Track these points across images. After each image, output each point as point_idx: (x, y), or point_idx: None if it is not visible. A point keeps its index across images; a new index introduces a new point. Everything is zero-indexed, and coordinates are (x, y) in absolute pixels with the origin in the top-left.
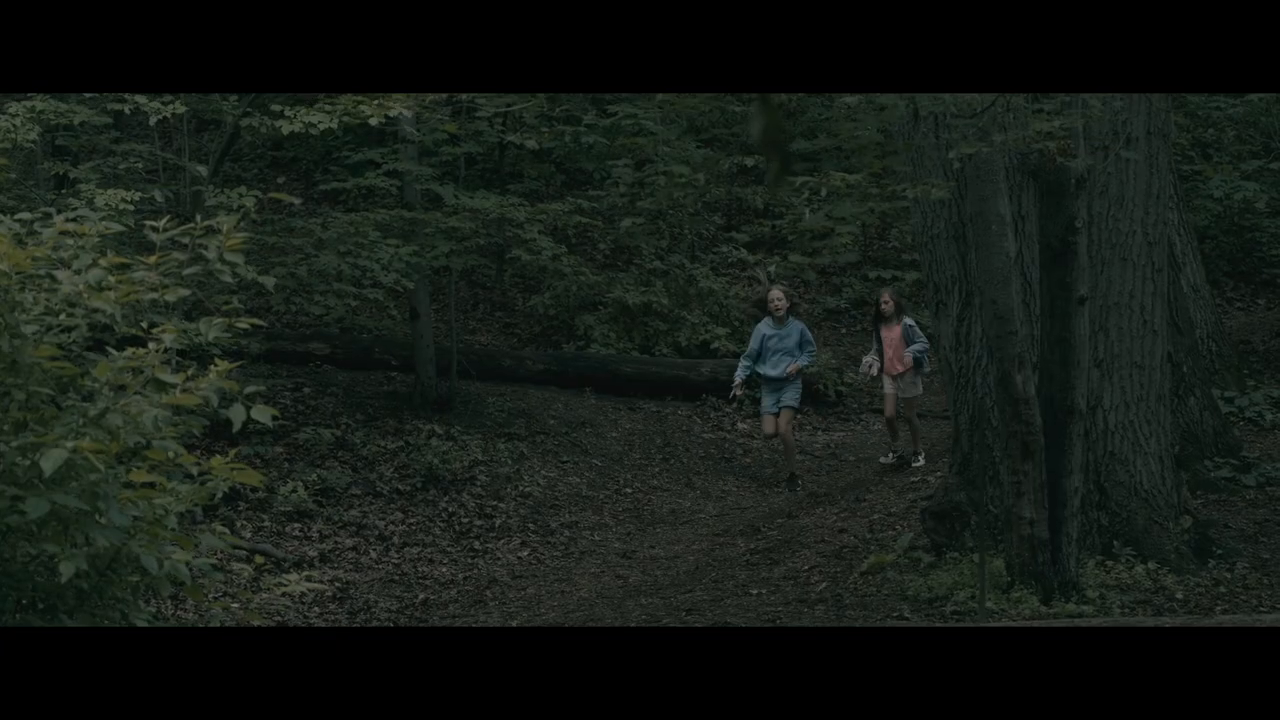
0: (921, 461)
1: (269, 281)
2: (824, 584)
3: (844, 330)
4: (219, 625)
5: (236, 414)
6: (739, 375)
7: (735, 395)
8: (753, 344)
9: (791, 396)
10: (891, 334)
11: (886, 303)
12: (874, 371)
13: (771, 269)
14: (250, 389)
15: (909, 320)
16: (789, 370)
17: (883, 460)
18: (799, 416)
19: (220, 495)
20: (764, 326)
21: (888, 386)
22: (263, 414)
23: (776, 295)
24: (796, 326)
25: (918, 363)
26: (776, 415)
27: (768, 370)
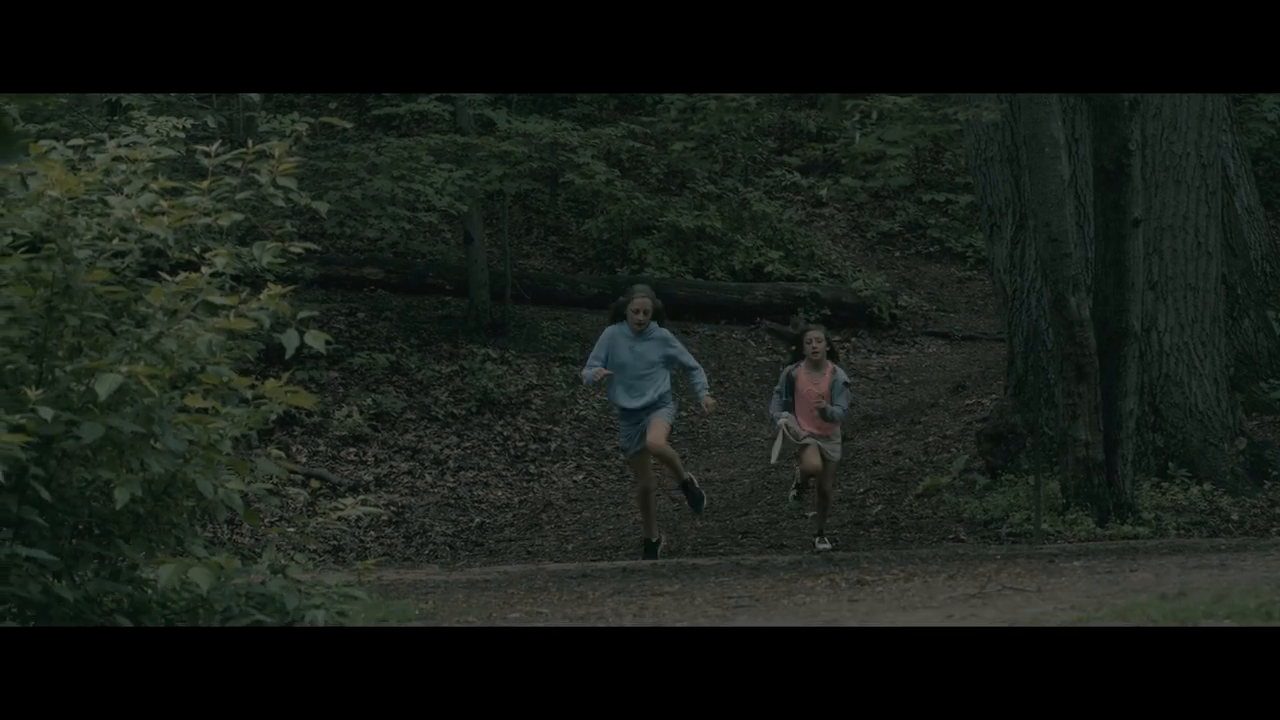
0: (828, 545)
1: (322, 206)
2: (879, 507)
3: (897, 254)
4: (218, 626)
5: (290, 339)
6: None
7: None
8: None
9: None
10: (817, 386)
11: (816, 343)
12: (801, 434)
13: (824, 192)
14: (304, 314)
15: (841, 372)
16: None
17: (792, 501)
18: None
19: (275, 420)
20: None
21: (809, 441)
22: (316, 339)
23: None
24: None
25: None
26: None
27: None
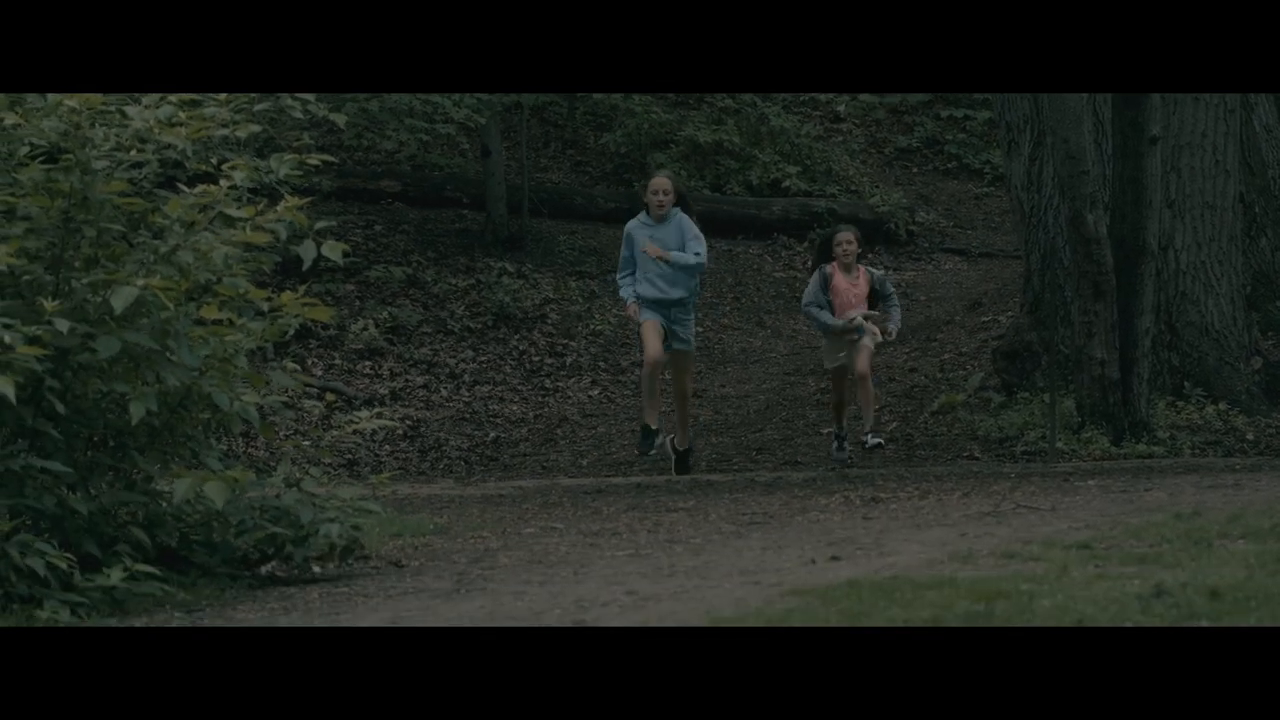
0: (880, 440)
1: (340, 118)
2: (894, 423)
3: (915, 170)
4: (213, 626)
5: (307, 250)
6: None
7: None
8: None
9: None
10: (854, 288)
11: (847, 244)
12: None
13: (842, 108)
14: (321, 225)
15: (878, 272)
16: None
17: (837, 455)
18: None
19: (291, 332)
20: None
21: (835, 357)
22: (333, 250)
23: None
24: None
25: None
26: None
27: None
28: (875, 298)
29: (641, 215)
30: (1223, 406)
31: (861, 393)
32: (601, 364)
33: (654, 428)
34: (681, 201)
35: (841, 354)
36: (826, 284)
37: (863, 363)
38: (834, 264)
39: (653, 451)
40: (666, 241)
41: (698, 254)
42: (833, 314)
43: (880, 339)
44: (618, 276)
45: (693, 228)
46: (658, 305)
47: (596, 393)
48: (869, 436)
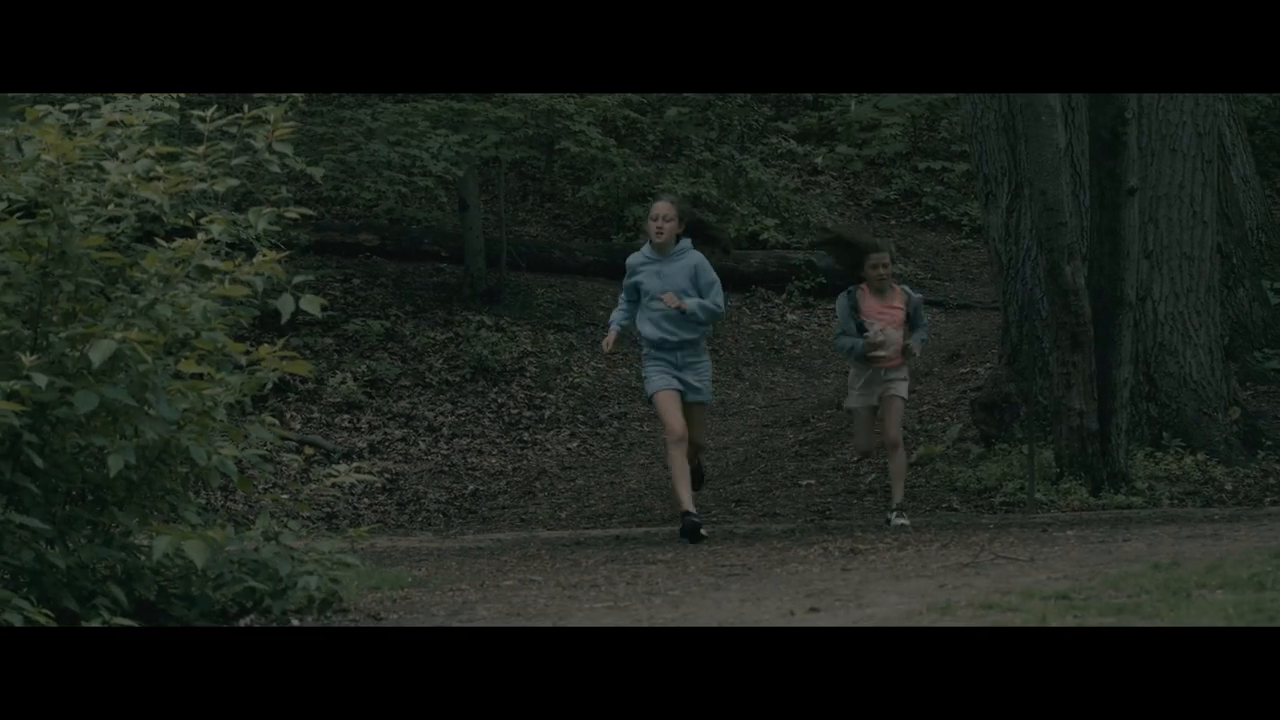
0: (905, 520)
1: (318, 172)
2: (872, 475)
3: (893, 222)
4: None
5: (285, 304)
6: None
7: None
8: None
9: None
10: (888, 311)
11: (883, 266)
12: (891, 340)
13: (820, 160)
14: (299, 279)
15: (916, 295)
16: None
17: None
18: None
19: (269, 386)
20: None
21: (859, 396)
22: (311, 304)
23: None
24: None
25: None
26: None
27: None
28: (911, 325)
29: (645, 248)
30: (1201, 457)
31: (892, 464)
32: (580, 416)
33: (693, 510)
34: (694, 230)
35: (868, 394)
36: (856, 308)
37: (893, 429)
38: (863, 286)
39: (702, 531)
40: (675, 281)
41: (717, 304)
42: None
43: (895, 351)
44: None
45: (709, 272)
46: (662, 348)
47: (575, 445)
48: (894, 515)
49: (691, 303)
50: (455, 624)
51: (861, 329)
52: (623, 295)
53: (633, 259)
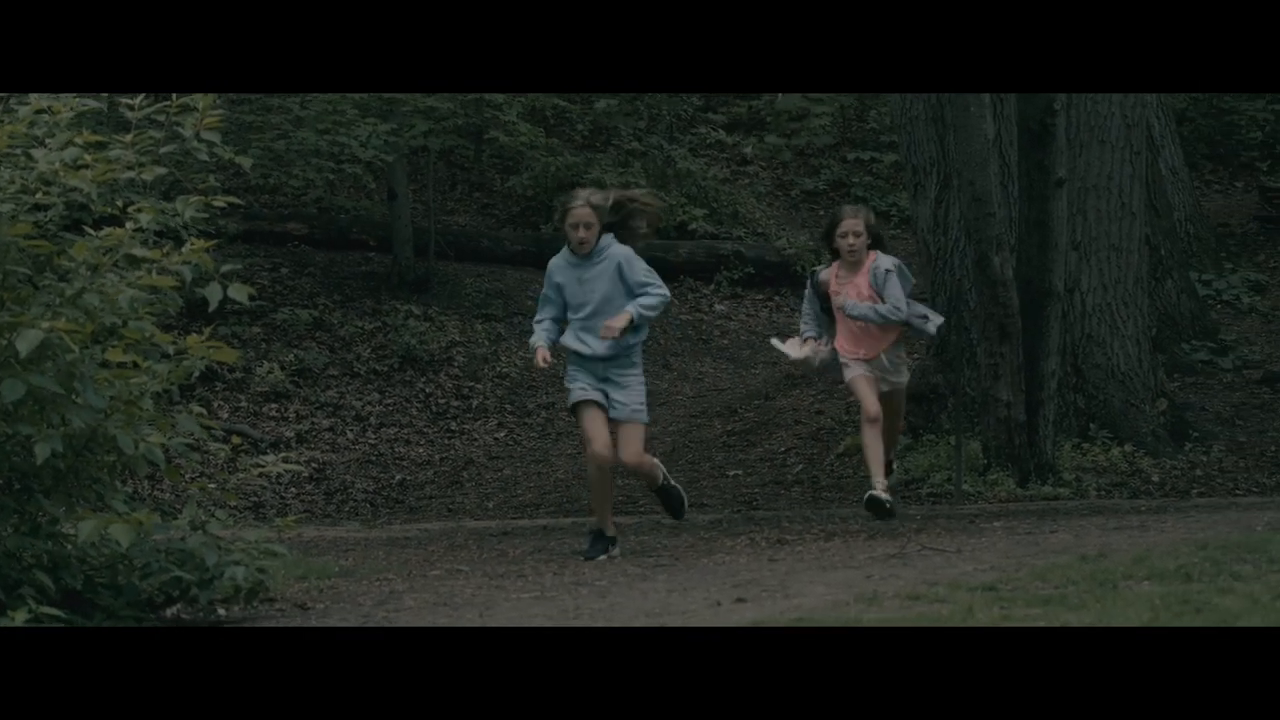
0: (885, 494)
1: (246, 161)
2: (800, 466)
3: (821, 212)
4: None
5: (213, 292)
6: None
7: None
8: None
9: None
10: (854, 287)
11: (854, 236)
12: (821, 351)
13: (749, 150)
14: (226, 267)
15: (885, 258)
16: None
17: (880, 496)
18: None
19: (197, 375)
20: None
21: (854, 369)
22: (239, 292)
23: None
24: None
25: (916, 330)
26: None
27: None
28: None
29: (565, 250)
30: (1128, 448)
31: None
32: (508, 406)
33: (610, 534)
34: (619, 227)
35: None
36: (820, 293)
37: (869, 405)
38: (834, 265)
39: (610, 553)
40: (598, 288)
41: (659, 295)
42: (833, 334)
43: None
44: (535, 320)
45: (636, 265)
46: (588, 364)
47: (503, 435)
48: (878, 483)
49: (624, 318)
50: (382, 613)
51: (826, 313)
52: (542, 306)
53: (553, 262)
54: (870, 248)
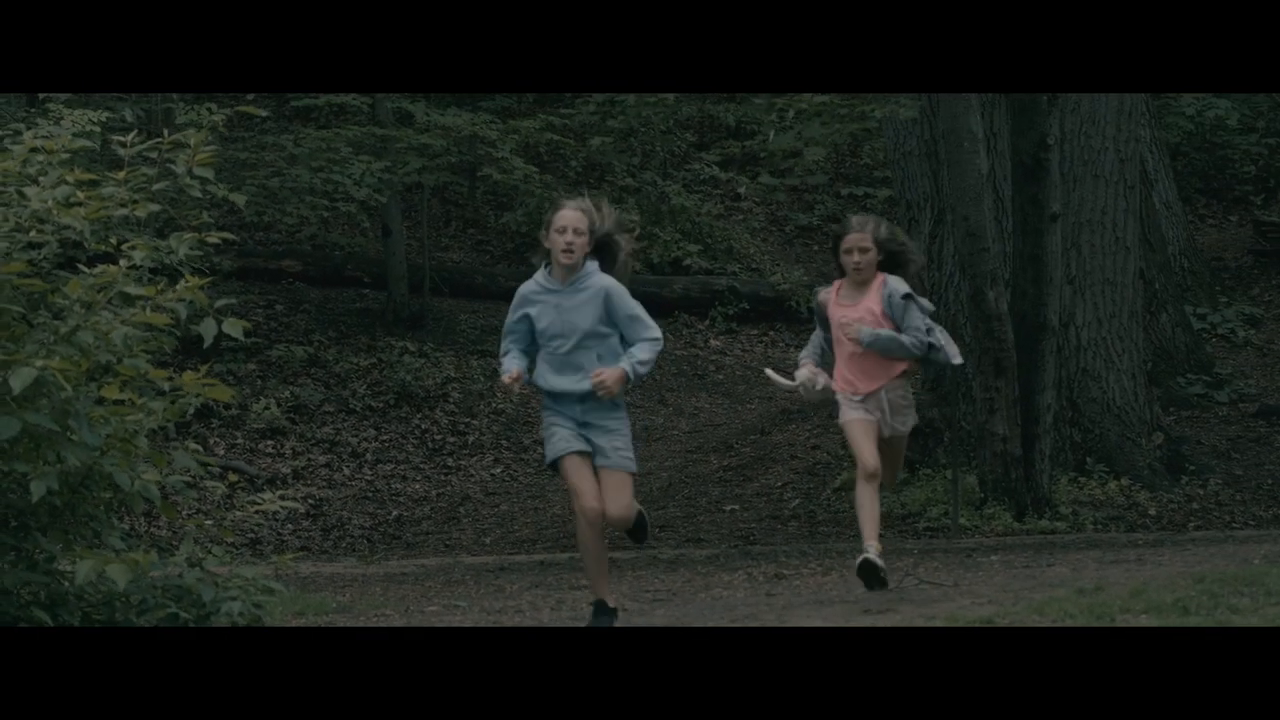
0: (875, 554)
1: (240, 198)
2: (797, 501)
3: (815, 247)
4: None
5: (208, 328)
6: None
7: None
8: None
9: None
10: (855, 311)
11: (860, 253)
12: (818, 379)
13: (743, 189)
14: (221, 302)
15: (896, 282)
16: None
17: (874, 561)
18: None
19: (192, 412)
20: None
21: (849, 412)
22: (234, 327)
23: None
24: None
25: (928, 361)
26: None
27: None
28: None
29: (540, 274)
30: (1125, 482)
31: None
32: (504, 442)
33: (612, 605)
34: (606, 246)
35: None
36: (820, 315)
37: (866, 458)
38: (836, 284)
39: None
40: (578, 318)
41: (653, 343)
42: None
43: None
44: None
45: (625, 299)
46: (566, 406)
47: (499, 470)
48: (869, 545)
49: (618, 376)
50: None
51: (827, 348)
52: (507, 338)
53: (525, 289)
54: (883, 267)
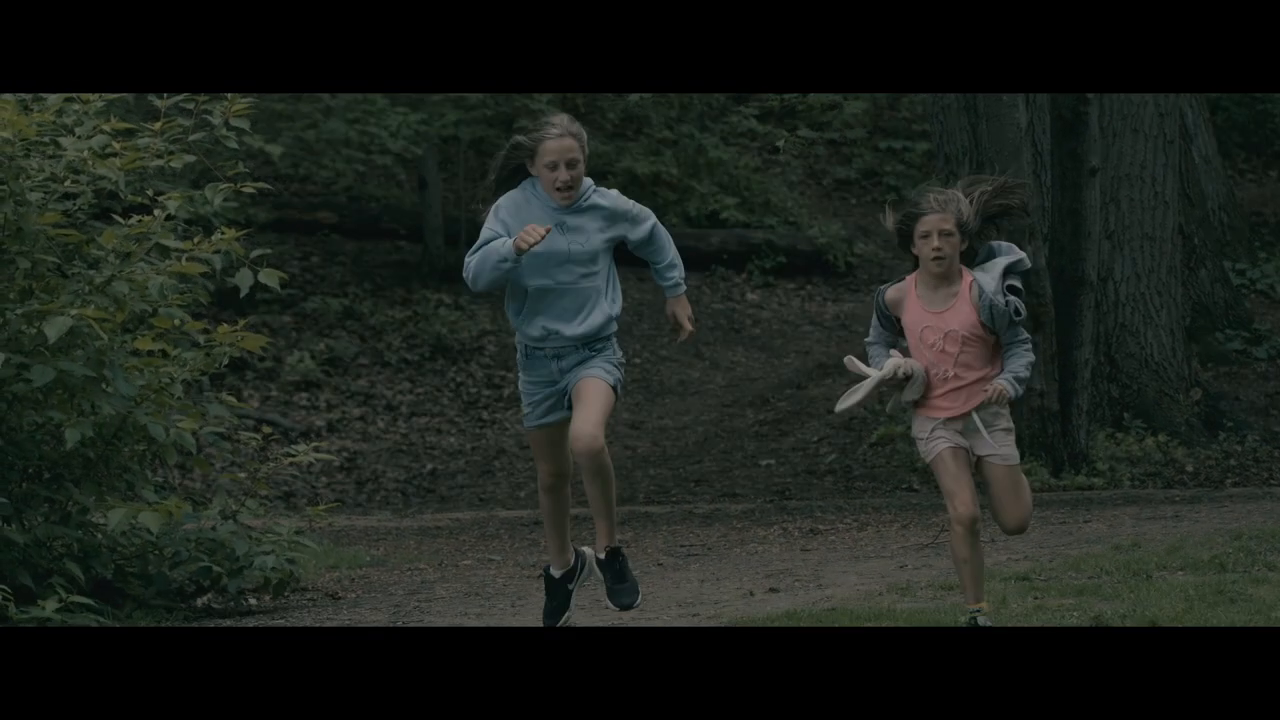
0: (984, 622)
1: (275, 149)
2: (833, 455)
3: (854, 201)
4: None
5: (244, 278)
6: None
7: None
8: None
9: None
10: (941, 319)
11: (942, 238)
12: (916, 372)
13: (781, 142)
14: (257, 253)
15: (987, 279)
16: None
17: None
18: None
19: (226, 363)
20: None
21: (935, 441)
22: (270, 277)
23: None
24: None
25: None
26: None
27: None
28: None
29: (529, 188)
30: (1162, 438)
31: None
32: None
33: (557, 575)
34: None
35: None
36: (886, 315)
37: (1014, 511)
38: (911, 279)
39: (566, 617)
40: (586, 239)
41: (670, 256)
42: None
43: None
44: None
45: (626, 205)
46: (547, 362)
47: None
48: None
49: (680, 311)
50: (413, 603)
51: (889, 343)
52: (486, 235)
53: (510, 198)
54: (963, 257)
